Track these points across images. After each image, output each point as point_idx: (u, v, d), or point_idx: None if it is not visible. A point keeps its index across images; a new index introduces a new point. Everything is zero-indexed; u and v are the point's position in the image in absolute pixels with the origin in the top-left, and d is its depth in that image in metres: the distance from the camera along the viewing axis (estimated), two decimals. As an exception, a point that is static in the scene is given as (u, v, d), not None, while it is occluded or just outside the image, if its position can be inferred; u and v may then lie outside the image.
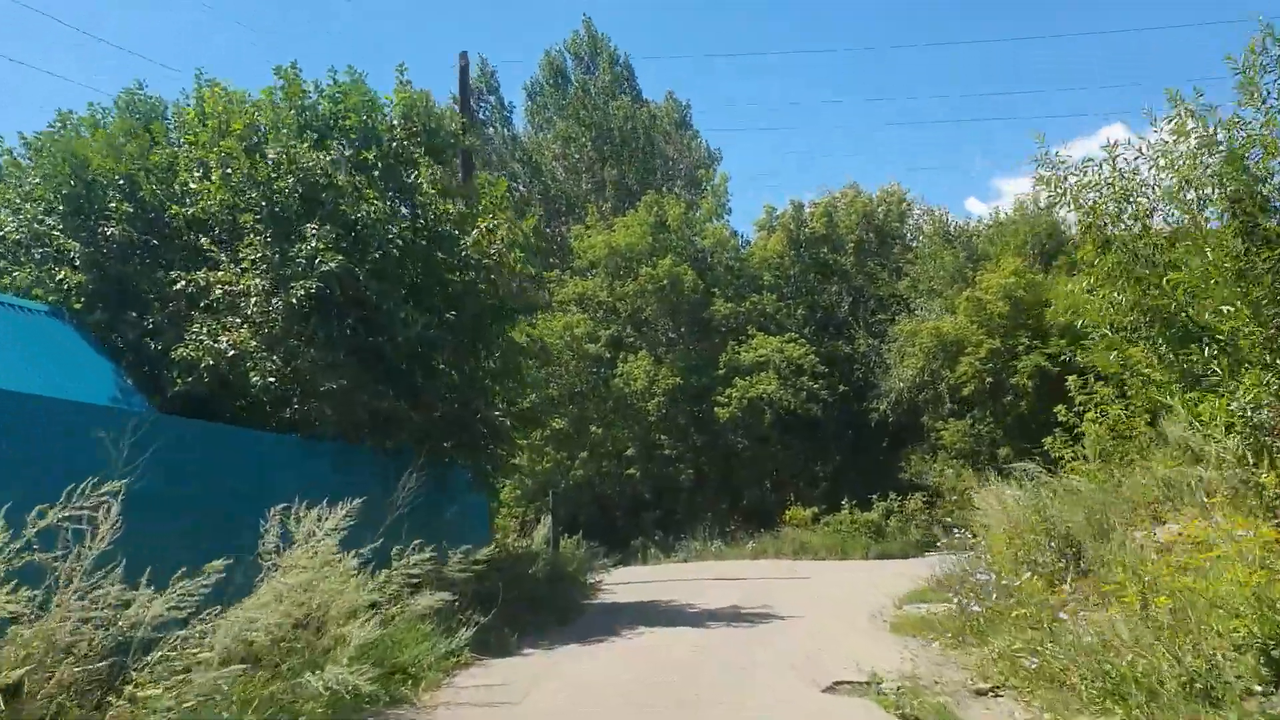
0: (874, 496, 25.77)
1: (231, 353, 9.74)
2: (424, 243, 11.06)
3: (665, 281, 29.38)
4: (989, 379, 25.13)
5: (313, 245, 9.88)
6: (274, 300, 9.85)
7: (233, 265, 10.24)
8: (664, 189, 34.78)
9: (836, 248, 33.72)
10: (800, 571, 20.19)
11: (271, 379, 9.93)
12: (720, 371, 28.60)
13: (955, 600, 10.42)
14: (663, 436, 28.84)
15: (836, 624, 11.69)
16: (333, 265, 9.74)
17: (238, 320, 10.00)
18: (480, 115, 37.32)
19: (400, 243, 10.55)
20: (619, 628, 11.77)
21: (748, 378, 28.10)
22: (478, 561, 10.03)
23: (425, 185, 11.33)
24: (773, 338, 29.33)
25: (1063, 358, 24.29)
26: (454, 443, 11.67)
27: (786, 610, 13.17)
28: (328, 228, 10.06)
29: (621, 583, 18.64)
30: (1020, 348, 24.70)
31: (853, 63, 69.33)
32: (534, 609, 11.61)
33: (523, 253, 12.19)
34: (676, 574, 21.43)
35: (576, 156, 36.47)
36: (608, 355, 30.52)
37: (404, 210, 11.26)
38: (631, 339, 30.61)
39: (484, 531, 14.54)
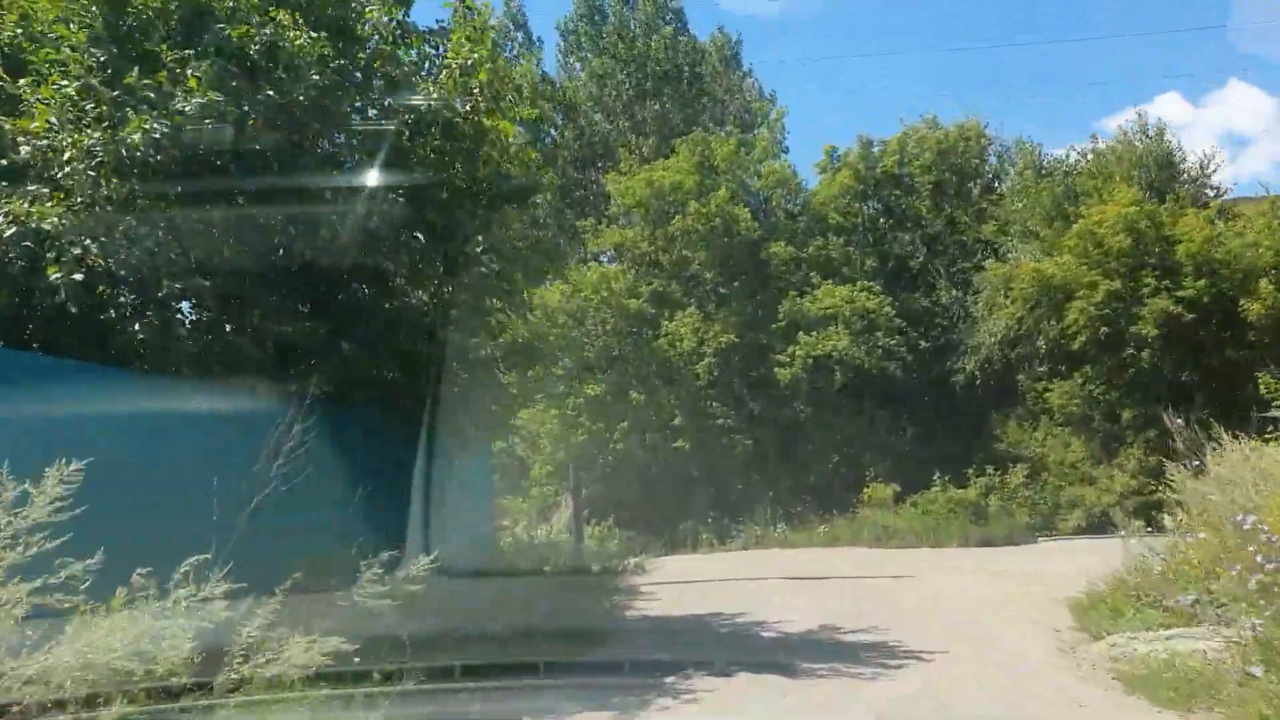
0: (969, 470, 21.72)
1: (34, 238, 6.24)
2: (359, 86, 7.44)
3: (716, 221, 25.45)
4: (1104, 329, 20.86)
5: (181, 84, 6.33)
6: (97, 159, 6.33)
7: (44, 107, 6.69)
8: (711, 128, 30.77)
9: (910, 190, 29.43)
10: (893, 566, 16.35)
11: (79, 275, 6.36)
12: (780, 325, 24.65)
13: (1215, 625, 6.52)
14: (715, 404, 25.03)
15: (1014, 670, 7.75)
16: (201, 105, 6.16)
17: (45, 190, 6.48)
18: (507, 53, 33.58)
19: (322, 85, 6.93)
20: (660, 676, 7.90)
21: (813, 333, 24.14)
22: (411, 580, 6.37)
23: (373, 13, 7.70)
24: (841, 287, 25.29)
25: (1204, 300, 20.08)
26: (406, 389, 8.07)
27: (912, 637, 9.17)
28: (210, 62, 6.52)
29: (667, 581, 15.00)
30: (1145, 290, 20.40)
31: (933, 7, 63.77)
32: (529, 640, 7.90)
33: (519, 112, 8.49)
34: (735, 568, 17.72)
35: (613, 94, 32.57)
36: (651, 312, 26.77)
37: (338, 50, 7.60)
38: (677, 294, 26.78)
39: (485, 522, 10.95)
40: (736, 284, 26.72)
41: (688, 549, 23.24)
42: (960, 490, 21.23)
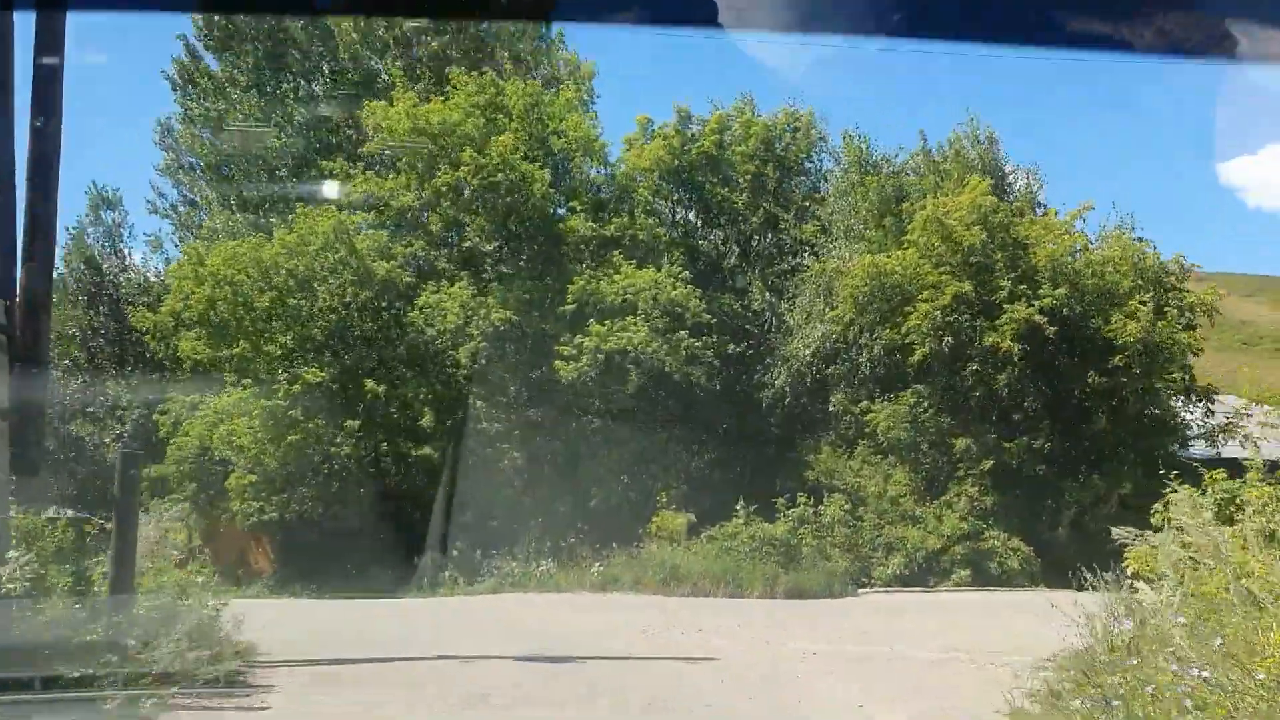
0: (779, 501, 17.70)
1: None
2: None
3: (500, 177, 20.38)
4: (948, 339, 17.54)
5: None
6: None
7: None
8: (507, 73, 25.76)
9: (728, 180, 25.64)
10: (686, 628, 11.72)
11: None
12: (568, 307, 19.85)
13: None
14: (479, 402, 19.83)
15: None
16: None
17: None
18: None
19: None
20: None
21: (606, 323, 19.51)
22: None
23: None
24: (645, 270, 20.87)
25: (1064, 313, 17.10)
26: None
27: None
28: None
29: (319, 661, 9.35)
30: (1000, 295, 17.23)
31: None
32: None
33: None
34: (458, 630, 12.44)
35: (386, 26, 26.85)
36: (408, 281, 21.28)
37: None
38: (443, 262, 21.49)
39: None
40: (522, 259, 21.69)
41: (422, 590, 17.85)
42: (768, 525, 17.12)
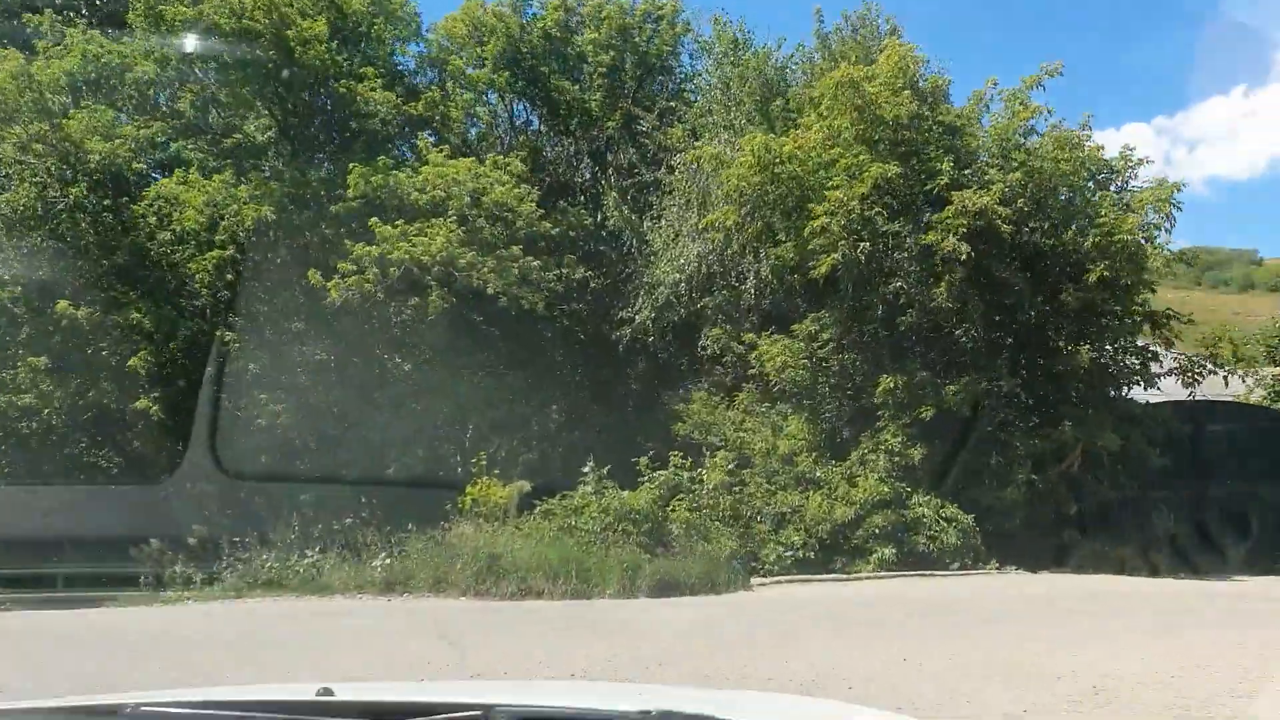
0: (642, 463, 12.96)
1: None
2: None
3: (262, 21, 14.62)
4: (864, 244, 13.12)
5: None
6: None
7: None
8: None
9: (575, 75, 20.66)
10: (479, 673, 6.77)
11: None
12: (350, 203, 14.38)
13: None
14: (220, 327, 14.14)
15: None
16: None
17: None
18: None
19: None
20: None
21: (399, 225, 14.17)
22: None
23: None
24: (462, 160, 15.64)
25: (1022, 203, 12.94)
26: None
27: None
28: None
29: None
30: (939, 184, 12.90)
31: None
32: None
33: None
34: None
35: None
36: (139, 168, 15.32)
37: None
38: (176, 137, 15.58)
39: None
40: (290, 134, 15.96)
41: (143, 592, 12.29)
42: (626, 494, 12.36)
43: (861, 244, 12.92)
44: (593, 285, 18.15)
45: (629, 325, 17.47)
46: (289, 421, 14.33)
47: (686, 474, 12.89)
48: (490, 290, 14.58)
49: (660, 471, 12.65)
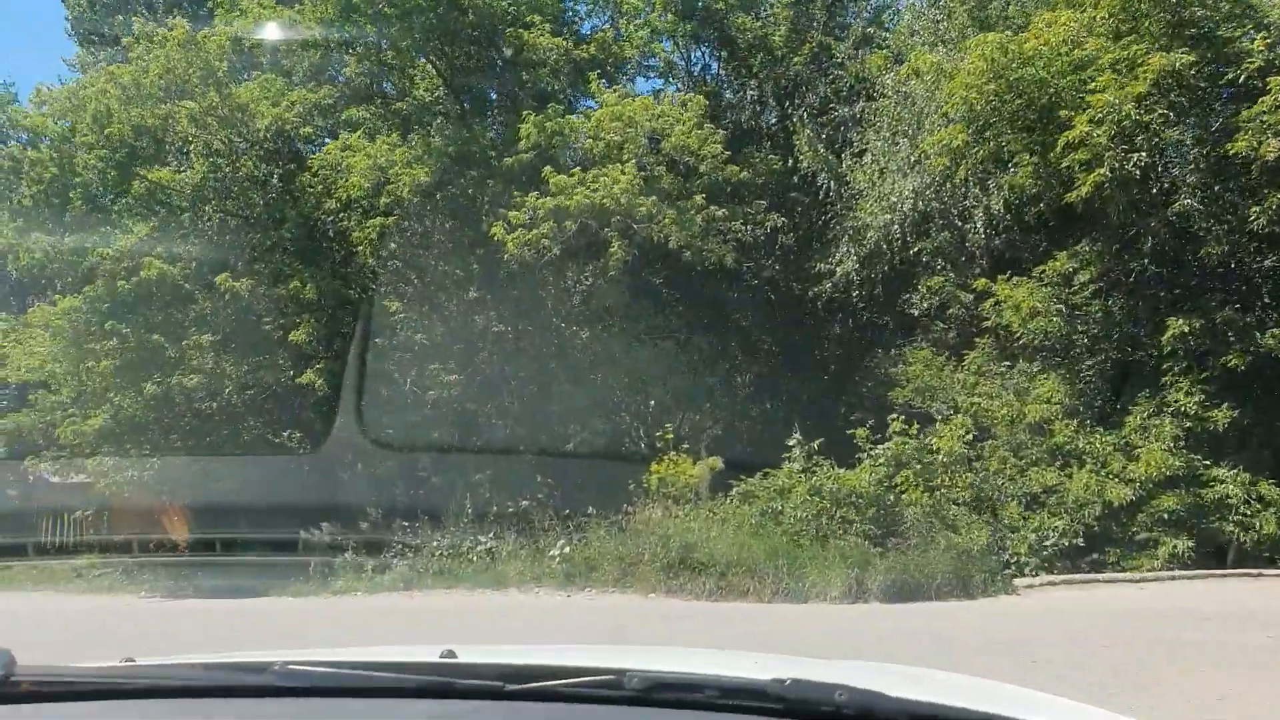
0: (860, 432, 10.81)
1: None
2: None
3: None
4: (1139, 154, 10.29)
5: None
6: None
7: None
8: None
9: (756, 9, 18.49)
10: None
11: None
12: (522, 156, 12.93)
13: None
14: (393, 303, 13.13)
15: None
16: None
17: None
18: None
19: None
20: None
21: (575, 172, 12.60)
22: None
23: None
24: (639, 99, 13.92)
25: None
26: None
27: None
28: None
29: None
30: (1247, 70, 9.89)
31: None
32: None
33: None
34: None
35: None
36: (307, 132, 14.65)
37: None
38: (361, 110, 14.77)
39: None
40: (457, 92, 14.79)
41: (308, 584, 11.53)
42: (844, 472, 10.26)
43: (1135, 155, 10.14)
44: (784, 239, 16.08)
45: (828, 279, 15.25)
46: (461, 394, 13.18)
47: (914, 444, 10.60)
48: (672, 244, 12.81)
49: (884, 446, 10.45)
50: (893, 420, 10.77)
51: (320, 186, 13.80)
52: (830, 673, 1.69)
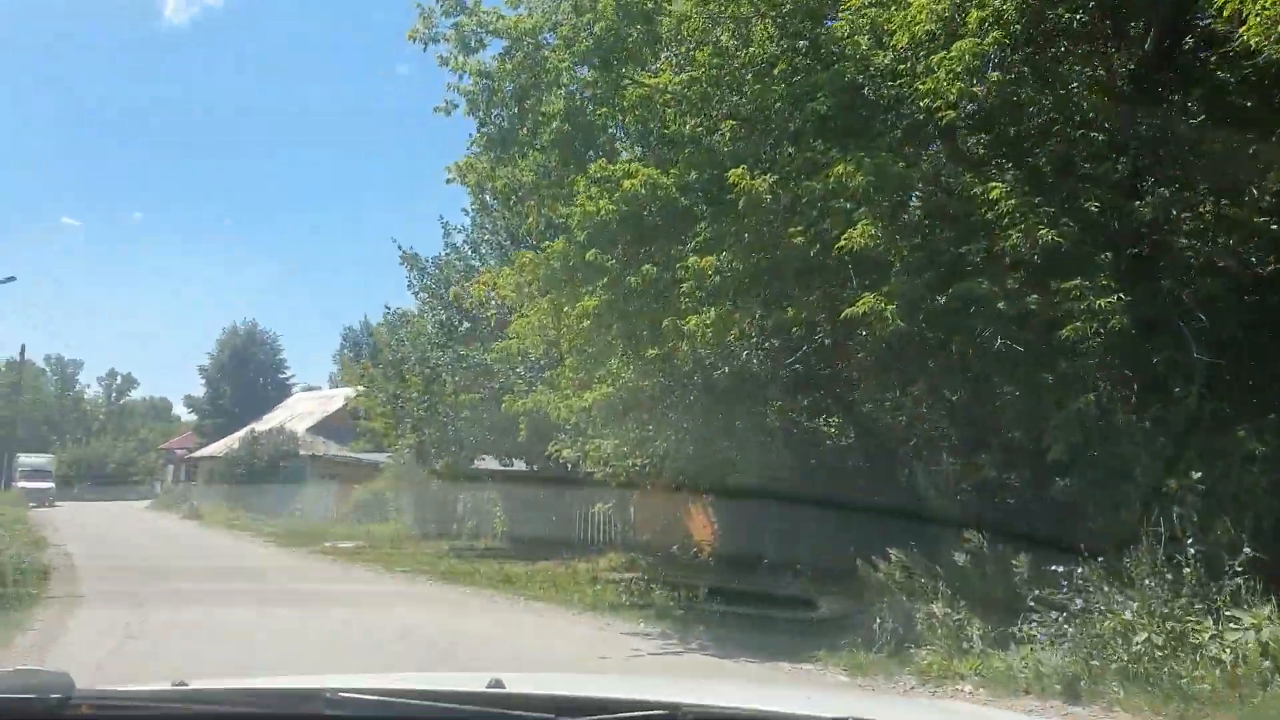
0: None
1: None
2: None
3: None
4: None
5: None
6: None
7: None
8: None
9: None
10: None
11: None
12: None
13: None
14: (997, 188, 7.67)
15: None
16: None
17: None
18: None
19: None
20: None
21: None
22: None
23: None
24: None
25: None
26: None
27: None
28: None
29: None
30: None
31: None
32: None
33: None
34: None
35: None
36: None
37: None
38: (754, 145, 9.65)
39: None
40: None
41: (864, 658, 6.73)
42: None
43: None
44: None
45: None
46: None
47: None
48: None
49: None
50: None
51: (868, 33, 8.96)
52: (890, 712, 1.79)
